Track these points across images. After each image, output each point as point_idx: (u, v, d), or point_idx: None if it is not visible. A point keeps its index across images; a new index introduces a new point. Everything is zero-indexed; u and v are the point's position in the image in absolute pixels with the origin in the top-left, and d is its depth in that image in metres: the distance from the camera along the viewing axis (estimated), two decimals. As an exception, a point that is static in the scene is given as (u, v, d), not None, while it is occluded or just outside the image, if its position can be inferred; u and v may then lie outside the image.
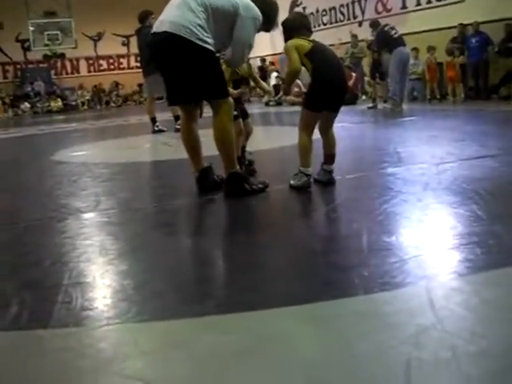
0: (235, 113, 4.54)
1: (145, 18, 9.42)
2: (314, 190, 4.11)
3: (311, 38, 4.21)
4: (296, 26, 4.20)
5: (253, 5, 3.97)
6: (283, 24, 4.30)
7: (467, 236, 2.75)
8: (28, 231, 3.53)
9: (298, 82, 14.20)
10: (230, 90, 4.37)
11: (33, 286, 2.47)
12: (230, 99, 3.98)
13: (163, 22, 3.86)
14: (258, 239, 3.03)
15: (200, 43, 3.72)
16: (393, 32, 10.85)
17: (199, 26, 3.72)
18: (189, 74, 3.81)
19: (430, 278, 2.24)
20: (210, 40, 3.77)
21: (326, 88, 3.98)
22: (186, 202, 4.12)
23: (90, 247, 3.05)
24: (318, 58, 4.01)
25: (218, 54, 4.01)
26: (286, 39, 4.18)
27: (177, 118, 8.92)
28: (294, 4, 20.22)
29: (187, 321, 2.04)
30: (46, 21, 23.96)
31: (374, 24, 11.85)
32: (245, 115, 4.76)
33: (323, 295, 2.14)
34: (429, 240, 2.78)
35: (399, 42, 10.78)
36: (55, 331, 2.02)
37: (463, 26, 12.75)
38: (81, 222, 3.64)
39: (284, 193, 4.10)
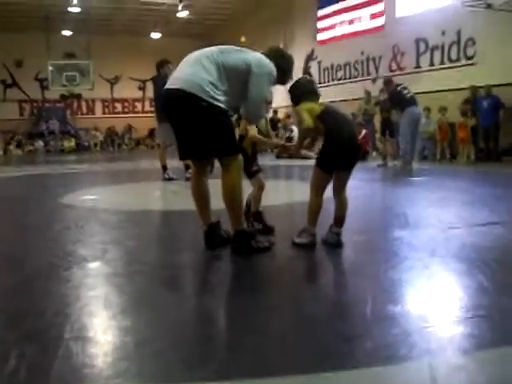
0: (255, 168, 4.59)
1: (161, 66, 9.61)
2: (320, 252, 4.09)
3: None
4: (304, 91, 4.24)
5: (266, 60, 4.01)
6: (291, 90, 4.33)
7: (473, 309, 2.72)
8: (33, 278, 3.52)
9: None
10: (259, 136, 4.50)
11: (34, 338, 2.46)
12: (240, 156, 4.01)
13: (176, 78, 3.92)
14: (262, 301, 3.01)
15: (211, 101, 3.76)
16: (405, 92, 10.95)
17: (211, 83, 3.78)
18: (199, 131, 3.85)
19: (434, 353, 2.21)
20: (221, 98, 3.81)
21: (338, 149, 3.98)
22: (192, 256, 4.11)
23: (93, 299, 3.04)
24: (330, 119, 4.06)
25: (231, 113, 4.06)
26: (295, 104, 4.22)
27: (187, 166, 8.99)
28: (309, 58, 20.53)
29: (187, 386, 2.02)
30: (65, 62, 24.41)
31: (388, 82, 11.97)
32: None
33: (325, 366, 2.12)
34: (434, 311, 2.76)
35: (411, 101, 10.86)
36: (53, 389, 2.00)
37: (475, 88, 12.88)
38: (86, 272, 3.64)
39: (290, 252, 4.08)
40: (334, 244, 4.11)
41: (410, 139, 10.92)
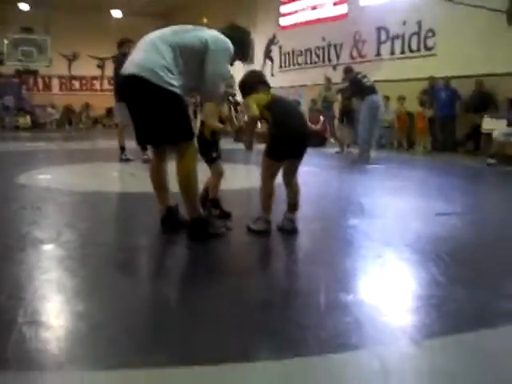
0: (215, 154, 4.58)
1: (121, 45, 9.52)
2: (275, 239, 4.12)
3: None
4: (252, 84, 4.25)
5: (222, 37, 3.99)
6: (240, 85, 4.37)
7: (425, 299, 2.79)
8: (-15, 259, 3.48)
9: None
10: (216, 123, 4.49)
11: (-14, 322, 2.43)
12: (195, 143, 4.00)
13: (131, 63, 3.87)
14: (216, 288, 3.02)
15: (165, 86, 3.72)
16: (365, 80, 11.03)
17: (165, 67, 3.74)
18: (154, 116, 3.82)
19: (384, 342, 2.26)
20: (176, 82, 3.77)
21: (286, 137, 4.02)
22: (148, 240, 4.10)
23: (47, 282, 3.01)
24: (278, 108, 4.08)
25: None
26: (244, 96, 4.23)
27: (144, 147, 8.92)
28: (270, 42, 20.49)
29: (140, 372, 2.02)
30: (21, 36, 23.84)
31: (348, 70, 12.03)
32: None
33: (279, 353, 2.15)
34: (386, 300, 2.81)
35: (371, 89, 10.94)
36: (5, 373, 1.98)
37: (433, 79, 13.06)
38: (40, 254, 3.60)
39: (246, 239, 4.10)
40: (290, 230, 4.15)
41: (368, 127, 11.02)
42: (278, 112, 4.05)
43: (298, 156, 4.12)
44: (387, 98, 13.88)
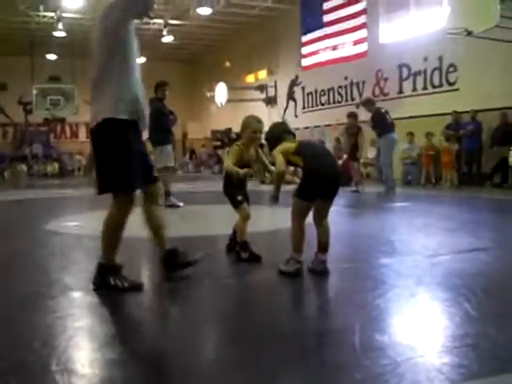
0: (240, 198, 4.60)
1: (158, 88, 9.62)
2: (306, 280, 4.09)
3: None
4: (277, 135, 4.31)
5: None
6: (266, 138, 4.42)
7: (460, 338, 2.73)
8: (18, 307, 3.49)
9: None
10: (236, 169, 4.48)
11: (20, 370, 2.43)
12: (127, 197, 3.84)
13: None
14: (250, 334, 2.99)
15: (97, 116, 3.68)
16: (388, 116, 11.13)
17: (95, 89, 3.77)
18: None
19: (422, 384, 2.22)
20: (107, 102, 3.66)
21: (316, 178, 4.05)
22: (182, 285, 4.09)
23: (79, 330, 3.01)
24: (307, 151, 4.15)
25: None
26: (271, 149, 4.26)
27: (167, 193, 9.00)
28: (293, 83, 20.70)
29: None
30: (49, 86, 24.39)
31: (368, 101, 12.09)
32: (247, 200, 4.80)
33: (315, 398, 2.12)
34: (422, 341, 2.76)
35: (392, 127, 11.09)
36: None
37: (457, 114, 13.06)
38: (72, 302, 3.62)
39: (278, 280, 4.08)
40: (321, 272, 4.12)
41: (390, 164, 11.08)
42: (308, 155, 4.10)
43: (329, 196, 4.12)
44: (412, 135, 13.90)
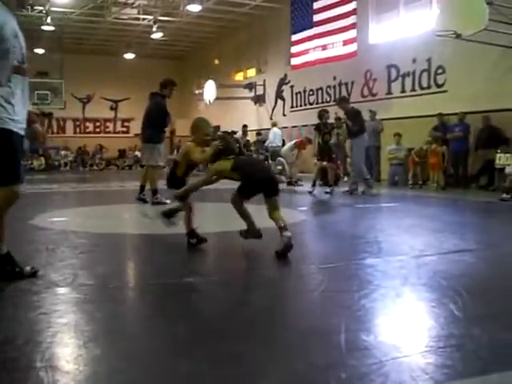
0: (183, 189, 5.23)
1: (166, 86, 9.49)
2: (292, 278, 4.10)
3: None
4: (224, 149, 5.13)
5: None
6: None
7: (445, 338, 2.75)
8: (1, 302, 3.47)
9: (281, 160, 14.38)
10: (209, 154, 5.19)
11: (3, 367, 2.41)
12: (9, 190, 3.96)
13: None
14: (236, 330, 2.99)
15: None
16: (366, 119, 11.37)
17: None
18: None
19: (407, 384, 2.22)
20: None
21: (251, 187, 5.06)
22: (166, 281, 4.08)
23: (64, 326, 2.99)
24: (242, 165, 5.06)
25: None
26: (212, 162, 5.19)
27: (154, 192, 8.99)
28: (282, 82, 20.71)
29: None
30: (37, 80, 24.21)
31: (343, 99, 12.26)
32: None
33: (300, 397, 2.12)
34: (407, 341, 2.78)
35: (365, 129, 11.43)
36: (23, 421, 1.96)
37: (442, 116, 13.15)
38: (57, 297, 3.59)
39: (261, 279, 4.09)
40: (288, 245, 4.69)
41: (363, 163, 11.34)
42: (243, 168, 5.03)
43: (269, 194, 5.01)
44: (399, 136, 13.95)
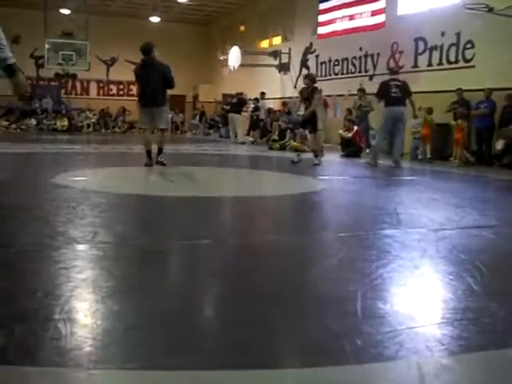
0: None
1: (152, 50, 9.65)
2: (310, 245, 4.10)
3: None
4: None
5: None
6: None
7: (462, 311, 2.74)
8: (23, 257, 3.51)
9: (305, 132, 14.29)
10: None
11: (23, 318, 2.45)
12: None
13: None
14: (253, 293, 3.01)
15: None
16: (393, 90, 11.06)
17: None
18: None
19: (422, 353, 2.22)
20: None
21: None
22: (185, 242, 4.10)
23: (83, 281, 3.02)
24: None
25: None
26: None
27: (148, 152, 9.12)
28: (307, 51, 20.49)
29: (173, 374, 2.01)
30: (62, 41, 24.23)
31: (392, 70, 12.08)
32: None
33: (314, 360, 2.13)
34: (424, 312, 2.77)
35: (393, 101, 11.03)
36: (41, 370, 1.99)
37: (462, 91, 12.96)
38: (76, 253, 3.63)
39: (280, 244, 4.10)
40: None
41: (384, 136, 11.15)
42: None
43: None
44: (430, 110, 13.75)
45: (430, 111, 13.16)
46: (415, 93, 11.63)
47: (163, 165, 9.32)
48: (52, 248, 3.69)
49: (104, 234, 4.22)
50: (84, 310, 2.61)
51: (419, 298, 3.00)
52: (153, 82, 9.44)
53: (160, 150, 9.49)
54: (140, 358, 2.12)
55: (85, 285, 2.98)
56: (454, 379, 2.05)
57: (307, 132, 11.62)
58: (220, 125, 23.35)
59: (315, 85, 11.32)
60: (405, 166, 11.26)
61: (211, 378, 2.00)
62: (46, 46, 23.73)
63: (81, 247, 3.77)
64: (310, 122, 11.09)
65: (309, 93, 11.11)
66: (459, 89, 13.03)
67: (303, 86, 11.58)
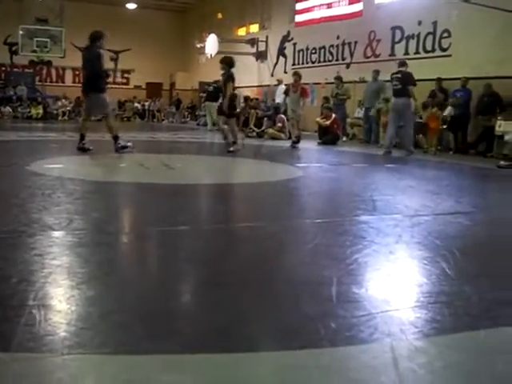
0: None
1: (101, 37, 9.71)
2: (286, 231, 4.12)
3: None
4: None
5: None
6: None
7: (436, 295, 2.77)
8: (-4, 244, 3.48)
9: (283, 116, 14.33)
10: None
11: (-2, 304, 2.43)
12: None
13: None
14: (226, 277, 3.02)
15: None
16: (394, 83, 11.29)
17: None
18: None
19: (396, 336, 2.25)
20: None
21: None
22: (159, 228, 4.09)
23: (58, 268, 3.00)
24: None
25: None
26: None
27: (116, 138, 9.02)
28: (284, 39, 20.47)
29: (148, 358, 2.01)
30: (36, 27, 23.90)
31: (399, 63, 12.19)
32: None
33: (289, 343, 2.14)
34: (398, 295, 2.80)
35: (394, 93, 11.32)
36: (15, 355, 1.97)
37: (441, 80, 13.06)
38: (51, 240, 3.59)
39: (257, 231, 4.10)
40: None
41: (390, 127, 11.35)
42: None
43: None
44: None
45: (437, 105, 13.08)
46: (391, 81, 11.68)
47: (123, 149, 9.24)
48: (27, 235, 3.66)
49: (79, 220, 4.19)
50: (59, 296, 2.59)
51: (394, 282, 3.03)
52: (86, 69, 9.43)
53: (114, 138, 9.38)
54: (116, 343, 2.12)
55: (60, 271, 2.96)
56: (428, 361, 2.07)
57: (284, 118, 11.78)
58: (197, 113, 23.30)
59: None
60: (381, 154, 11.33)
61: (188, 361, 2.01)
62: (20, 32, 23.40)
63: (56, 234, 3.74)
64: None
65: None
66: (439, 78, 13.11)
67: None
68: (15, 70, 25.80)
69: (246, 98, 18.47)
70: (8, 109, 23.60)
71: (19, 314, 2.30)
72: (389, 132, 11.66)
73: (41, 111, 24.07)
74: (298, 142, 12.36)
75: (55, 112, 24.73)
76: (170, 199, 5.39)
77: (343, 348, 2.13)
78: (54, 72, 27.41)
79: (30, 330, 2.16)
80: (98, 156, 9.54)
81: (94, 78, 9.21)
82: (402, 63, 11.82)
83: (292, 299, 2.70)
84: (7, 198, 5.12)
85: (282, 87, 16.82)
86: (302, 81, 13.06)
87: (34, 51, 24.20)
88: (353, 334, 2.24)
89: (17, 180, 6.23)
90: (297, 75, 12.81)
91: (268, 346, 2.16)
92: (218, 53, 21.35)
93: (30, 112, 23.82)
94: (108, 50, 26.86)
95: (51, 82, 27.33)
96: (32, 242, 3.52)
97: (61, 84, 27.39)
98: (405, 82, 11.16)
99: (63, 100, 25.36)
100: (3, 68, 25.77)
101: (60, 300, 2.53)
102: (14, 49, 24.80)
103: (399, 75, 11.31)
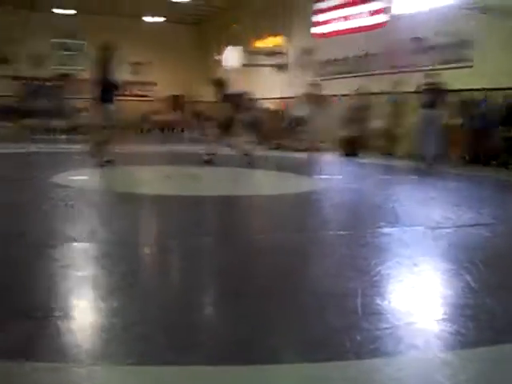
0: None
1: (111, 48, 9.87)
2: (310, 243, 4.11)
3: None
4: None
5: None
6: None
7: (460, 308, 2.75)
8: (22, 256, 3.51)
9: (304, 128, 14.28)
10: None
11: (22, 315, 2.45)
12: None
13: None
14: (251, 289, 3.02)
15: None
16: (424, 95, 11.27)
17: None
18: None
19: (420, 349, 2.23)
20: None
21: None
22: (183, 240, 4.11)
23: (82, 279, 3.03)
24: None
25: None
26: None
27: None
28: (305, 50, 20.47)
29: (171, 369, 2.02)
30: (62, 41, 24.28)
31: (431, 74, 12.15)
32: None
33: (315, 356, 2.14)
34: (422, 308, 2.79)
35: (424, 104, 11.21)
36: (40, 365, 1.99)
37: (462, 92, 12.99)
38: (75, 252, 3.63)
39: (282, 241, 4.11)
40: None
41: (422, 139, 11.22)
42: None
43: None
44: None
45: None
46: (412, 93, 11.64)
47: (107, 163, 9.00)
48: (50, 246, 3.69)
49: (102, 232, 4.22)
50: (83, 307, 2.62)
51: (417, 294, 3.02)
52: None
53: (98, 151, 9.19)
54: (139, 354, 2.13)
55: (84, 282, 2.98)
56: (452, 373, 2.06)
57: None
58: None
59: None
60: (402, 165, 11.28)
61: (211, 373, 2.01)
62: (47, 46, 23.73)
63: (79, 246, 3.78)
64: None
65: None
66: (460, 89, 13.05)
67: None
68: (40, 82, 26.11)
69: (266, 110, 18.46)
70: (34, 121, 23.82)
71: (45, 326, 2.32)
72: (424, 143, 11.46)
73: (64, 123, 24.27)
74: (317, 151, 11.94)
75: (79, 124, 24.92)
76: (194, 210, 5.41)
77: (369, 360, 2.12)
78: (80, 85, 27.69)
79: (55, 341, 2.18)
80: (124, 167, 9.59)
81: (96, 85, 9.34)
82: (431, 74, 11.76)
83: (317, 311, 2.69)
84: (31, 210, 5.16)
85: (302, 99, 16.81)
86: (328, 92, 13.08)
87: (59, 64, 24.51)
88: (377, 347, 2.23)
89: (40, 192, 6.30)
90: (314, 86, 12.88)
91: (293, 357, 2.15)
92: (242, 65, 21.47)
93: (54, 124, 24.02)
94: (132, 63, 27.15)
95: (76, 94, 27.61)
96: (56, 253, 3.55)
97: (84, 97, 27.63)
98: (433, 94, 11.12)
99: (86, 112, 25.53)
100: (28, 81, 26.06)
101: (84, 311, 2.56)
102: (38, 62, 25.12)
103: (427, 87, 11.27)
